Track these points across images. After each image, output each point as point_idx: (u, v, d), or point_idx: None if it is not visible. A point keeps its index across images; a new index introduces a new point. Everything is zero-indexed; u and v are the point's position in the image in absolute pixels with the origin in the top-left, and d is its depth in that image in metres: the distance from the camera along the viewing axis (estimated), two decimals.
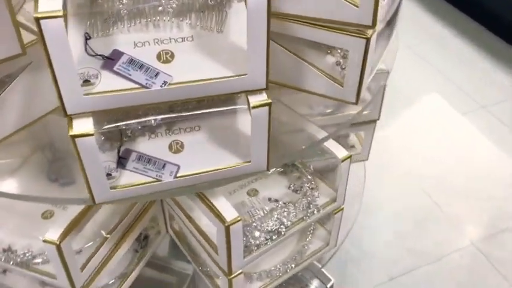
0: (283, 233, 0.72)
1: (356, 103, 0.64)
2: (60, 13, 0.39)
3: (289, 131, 0.69)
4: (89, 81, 0.46)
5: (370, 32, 0.57)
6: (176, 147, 0.54)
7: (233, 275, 0.70)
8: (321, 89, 0.65)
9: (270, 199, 0.75)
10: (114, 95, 0.45)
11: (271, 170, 0.80)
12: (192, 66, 0.48)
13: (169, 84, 0.46)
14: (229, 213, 0.63)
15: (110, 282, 0.79)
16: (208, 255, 0.73)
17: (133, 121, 0.51)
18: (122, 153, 0.53)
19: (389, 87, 1.97)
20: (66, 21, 0.47)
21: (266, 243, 0.71)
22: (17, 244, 0.70)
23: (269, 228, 0.71)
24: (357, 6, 0.55)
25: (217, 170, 0.54)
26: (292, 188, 0.76)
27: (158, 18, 0.49)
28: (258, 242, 0.70)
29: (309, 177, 0.77)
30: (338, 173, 0.74)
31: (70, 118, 0.46)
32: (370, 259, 1.45)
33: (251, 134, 0.51)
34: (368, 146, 0.99)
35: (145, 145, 0.54)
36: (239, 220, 0.63)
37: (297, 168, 0.80)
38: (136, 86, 0.46)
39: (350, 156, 0.73)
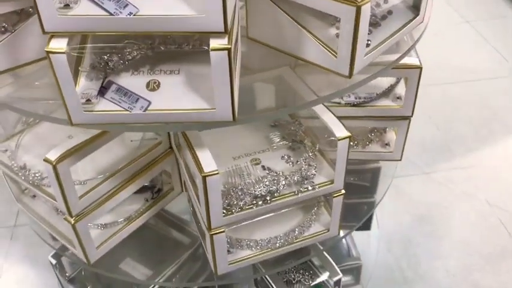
0: (269, 200, 0.72)
1: (349, 76, 0.63)
2: None
3: (285, 94, 0.70)
4: (69, 5, 0.51)
5: (360, 0, 0.56)
6: (153, 86, 0.58)
7: (213, 231, 0.72)
8: (316, 59, 0.65)
9: (264, 167, 0.76)
10: (84, 18, 0.51)
11: (279, 144, 0.81)
12: (162, 3, 0.51)
13: (134, 15, 0.50)
14: (209, 165, 0.66)
15: (119, 220, 0.85)
16: (199, 212, 0.76)
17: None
18: (105, 84, 0.58)
19: (490, 113, 1.85)
20: None
21: (250, 207, 0.72)
22: (35, 166, 0.79)
23: (256, 193, 0.72)
24: None
25: (182, 111, 0.56)
26: (286, 159, 0.76)
27: None
28: (241, 203, 0.71)
29: (310, 154, 0.77)
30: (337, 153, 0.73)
31: (50, 37, 0.52)
32: (424, 284, 1.38)
33: (212, 78, 0.53)
34: (400, 145, 0.95)
35: (126, 80, 0.59)
36: (216, 173, 0.65)
37: (304, 146, 0.80)
38: (106, 13, 0.50)
39: (349, 137, 0.71)
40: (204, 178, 0.65)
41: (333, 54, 0.63)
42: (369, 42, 0.64)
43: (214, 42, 0.51)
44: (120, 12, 0.50)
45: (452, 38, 2.11)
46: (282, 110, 0.67)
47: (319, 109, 0.75)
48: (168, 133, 0.84)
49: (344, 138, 0.71)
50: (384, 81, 0.92)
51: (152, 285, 0.95)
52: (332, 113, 0.74)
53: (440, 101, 1.83)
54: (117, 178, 0.79)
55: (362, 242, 1.36)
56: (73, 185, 0.72)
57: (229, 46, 0.51)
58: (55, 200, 0.74)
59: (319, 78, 0.72)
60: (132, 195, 0.89)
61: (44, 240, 0.89)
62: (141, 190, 0.89)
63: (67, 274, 1.00)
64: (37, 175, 0.76)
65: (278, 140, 0.81)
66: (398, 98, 0.90)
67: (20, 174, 0.78)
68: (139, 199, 0.88)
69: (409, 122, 0.92)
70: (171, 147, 0.85)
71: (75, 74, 0.59)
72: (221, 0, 0.48)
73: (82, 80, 0.59)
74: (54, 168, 0.67)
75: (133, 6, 0.51)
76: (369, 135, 0.97)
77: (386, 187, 1.11)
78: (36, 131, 0.87)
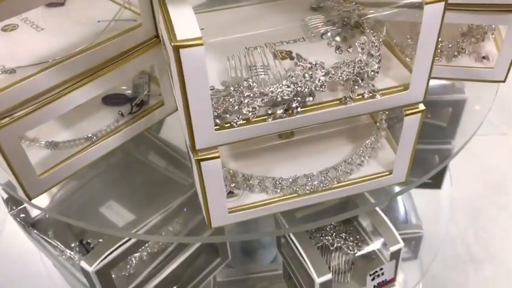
0: (294, 109, 0.42)
1: None
2: None
3: None
4: None
5: None
6: None
7: (201, 155, 0.43)
8: None
9: (291, 55, 0.46)
10: None
11: (322, 31, 0.50)
12: None
13: None
14: (187, 31, 0.36)
15: (78, 139, 0.58)
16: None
17: None
18: None
19: None
20: None
21: (263, 120, 0.43)
22: None
23: (275, 96, 0.42)
24: None
25: None
26: (329, 40, 0.46)
27: None
28: (248, 110, 0.42)
29: (373, 38, 0.45)
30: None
31: None
32: (495, 266, 1.11)
33: None
34: (508, 58, 0.62)
35: None
36: (199, 43, 0.36)
37: (363, 31, 0.49)
38: None
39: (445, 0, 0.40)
40: (176, 50, 0.36)
41: None
42: None
43: None
44: None
45: None
46: None
47: None
48: (153, 14, 0.55)
49: (436, 1, 0.39)
50: None
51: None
52: None
53: None
54: (66, 69, 0.51)
55: (422, 205, 1.08)
56: None
57: None
58: None
59: None
60: (102, 107, 0.62)
61: None
62: (117, 101, 0.62)
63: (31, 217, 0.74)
64: None
65: (321, 24, 0.51)
66: None
67: None
68: (112, 113, 0.61)
69: None
70: (157, 36, 0.57)
71: None
72: None
73: None
74: None
75: None
76: (459, 42, 0.65)
77: (471, 129, 0.79)
78: None
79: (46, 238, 0.70)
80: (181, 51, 0.36)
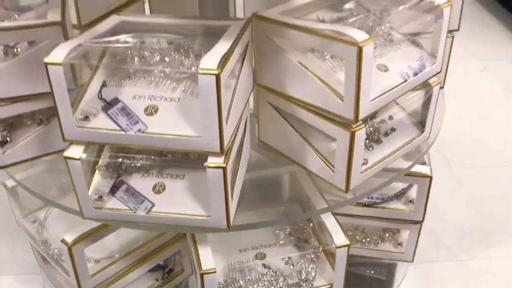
0: None
1: (345, 191, 0.66)
2: (60, 61, 0.53)
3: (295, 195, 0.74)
4: (88, 117, 0.58)
5: (355, 126, 0.60)
6: (159, 189, 0.63)
7: None
8: (317, 170, 0.68)
9: (264, 265, 0.78)
10: (99, 132, 0.57)
11: (285, 241, 0.84)
12: (168, 122, 0.57)
13: (142, 132, 0.56)
14: (207, 262, 0.69)
15: None
16: None
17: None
18: (116, 183, 0.64)
19: None
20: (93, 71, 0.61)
21: None
22: (55, 242, 0.85)
23: None
24: (342, 100, 0.59)
25: (181, 215, 0.61)
26: (286, 260, 0.79)
27: (159, 80, 0.60)
28: None
29: (312, 256, 0.79)
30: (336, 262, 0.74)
31: (69, 143, 0.59)
32: None
33: (209, 192, 0.58)
34: (412, 247, 0.95)
35: (136, 181, 0.65)
36: (213, 271, 0.68)
37: (309, 245, 0.82)
38: (118, 128, 0.57)
39: (348, 245, 0.73)
40: (202, 276, 0.68)
41: (331, 169, 0.66)
42: (365, 161, 0.67)
43: (211, 160, 0.56)
44: (131, 129, 0.56)
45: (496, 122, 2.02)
46: (283, 219, 0.70)
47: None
48: None
49: (343, 246, 0.72)
50: (398, 183, 0.94)
51: None
52: (335, 218, 0.76)
53: (482, 183, 1.72)
54: (130, 258, 0.84)
55: None
56: (85, 265, 0.77)
57: (224, 165, 0.56)
58: (68, 274, 0.79)
59: None
60: (144, 273, 0.93)
61: None
62: (154, 269, 0.94)
63: None
64: (56, 251, 0.82)
65: (284, 236, 0.84)
66: (410, 201, 0.92)
67: (41, 247, 0.84)
68: (151, 278, 0.92)
69: (421, 227, 0.92)
70: None
71: (92, 171, 0.66)
72: (217, 126, 0.53)
73: (98, 177, 0.65)
74: (69, 249, 0.73)
75: (143, 123, 0.57)
76: (381, 234, 0.98)
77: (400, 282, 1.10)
78: None
79: None
80: (205, 276, 0.68)
